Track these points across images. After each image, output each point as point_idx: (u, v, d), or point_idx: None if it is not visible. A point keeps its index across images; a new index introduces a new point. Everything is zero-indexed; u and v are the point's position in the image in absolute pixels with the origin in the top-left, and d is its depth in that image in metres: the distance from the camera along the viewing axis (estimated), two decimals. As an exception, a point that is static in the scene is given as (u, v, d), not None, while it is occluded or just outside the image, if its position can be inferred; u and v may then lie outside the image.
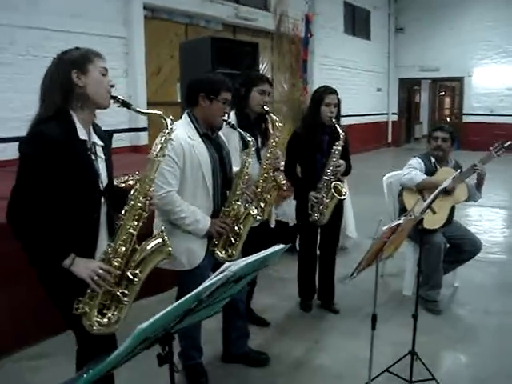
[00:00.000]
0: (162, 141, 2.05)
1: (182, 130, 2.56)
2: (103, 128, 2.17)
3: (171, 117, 2.12)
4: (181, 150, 2.51)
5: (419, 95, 19.39)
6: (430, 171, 3.89)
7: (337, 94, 3.57)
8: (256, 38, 9.77)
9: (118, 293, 1.93)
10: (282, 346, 3.39)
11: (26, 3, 6.27)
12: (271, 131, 3.21)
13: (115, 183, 2.34)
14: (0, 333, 3.18)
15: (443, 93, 19.57)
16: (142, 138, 7.88)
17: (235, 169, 2.81)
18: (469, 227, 4.29)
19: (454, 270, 4.18)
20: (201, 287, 1.10)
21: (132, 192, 1.99)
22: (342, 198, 3.53)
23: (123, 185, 3.55)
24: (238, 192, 2.70)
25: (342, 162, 3.53)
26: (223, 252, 2.72)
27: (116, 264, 1.93)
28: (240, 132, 2.82)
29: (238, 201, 2.72)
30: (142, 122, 7.83)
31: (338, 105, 3.56)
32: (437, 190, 2.74)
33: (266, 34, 10.46)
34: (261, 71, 10.06)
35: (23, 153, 1.86)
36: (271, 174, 3.17)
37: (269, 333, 3.56)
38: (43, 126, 1.85)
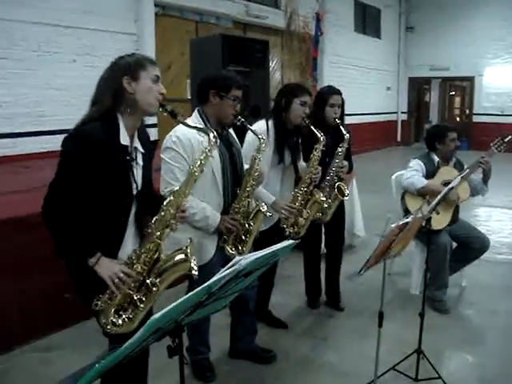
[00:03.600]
0: (202, 157, 2.06)
1: (192, 127, 2.58)
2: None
3: (215, 134, 2.14)
4: (190, 147, 2.52)
5: (429, 94, 19.29)
6: (431, 171, 3.88)
7: (341, 95, 3.57)
8: (266, 35, 9.77)
9: (136, 298, 1.95)
10: (288, 342, 3.41)
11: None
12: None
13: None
14: (11, 325, 3.24)
15: (453, 92, 19.47)
16: (152, 134, 7.91)
17: (246, 166, 2.82)
18: (477, 227, 4.28)
19: (462, 269, 4.18)
20: (212, 280, 1.13)
21: (165, 203, 2.00)
22: (345, 198, 3.57)
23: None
24: (248, 189, 2.70)
25: (345, 163, 3.56)
26: (233, 248, 2.73)
27: (139, 270, 1.95)
28: (251, 129, 2.83)
29: (248, 197, 2.73)
30: (152, 118, 7.87)
31: (341, 105, 3.56)
32: (445, 189, 2.75)
33: (275, 32, 10.46)
34: (270, 69, 10.10)
35: (64, 149, 1.90)
36: (310, 188, 3.21)
37: (276, 330, 3.58)
38: (87, 125, 1.89)
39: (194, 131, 2.56)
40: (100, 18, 7.01)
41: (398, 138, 17.08)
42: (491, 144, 3.77)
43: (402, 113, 17.07)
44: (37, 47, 6.39)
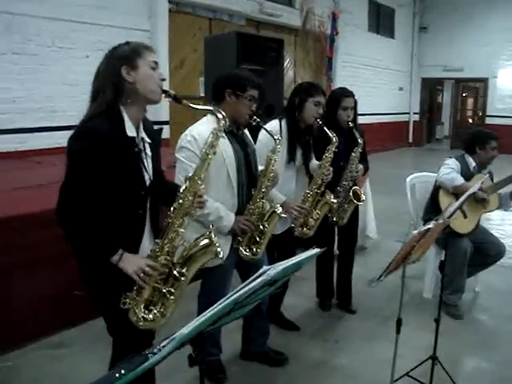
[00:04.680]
0: (213, 138, 2.04)
1: (207, 126, 2.53)
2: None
3: (222, 112, 2.12)
4: (204, 146, 2.48)
5: (442, 95, 19.16)
6: (465, 175, 3.80)
7: (353, 97, 3.52)
8: (279, 34, 9.73)
9: (165, 290, 1.93)
10: (300, 345, 3.38)
11: (52, -5, 6.32)
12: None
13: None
14: (22, 322, 3.23)
15: (466, 94, 19.32)
16: (164, 131, 7.90)
17: (261, 167, 2.79)
18: (491, 231, 4.23)
19: (476, 274, 4.13)
20: (239, 293, 1.09)
21: (181, 190, 1.97)
22: (360, 203, 3.55)
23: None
24: (263, 190, 2.67)
25: (360, 166, 3.52)
26: (247, 250, 2.70)
27: (163, 262, 1.93)
28: (266, 129, 2.79)
29: (263, 198, 2.69)
30: (164, 115, 7.86)
31: (354, 107, 3.51)
32: (466, 194, 2.70)
33: (289, 31, 10.39)
34: (285, 68, 10.05)
35: (72, 149, 1.85)
36: (322, 189, 3.18)
37: (288, 332, 3.55)
38: (91, 122, 1.85)
39: (209, 130, 2.53)
40: (114, 14, 7.00)
41: (410, 139, 16.97)
42: None
43: (414, 113, 16.97)
44: (50, 43, 6.39)
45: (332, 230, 3.74)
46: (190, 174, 2.01)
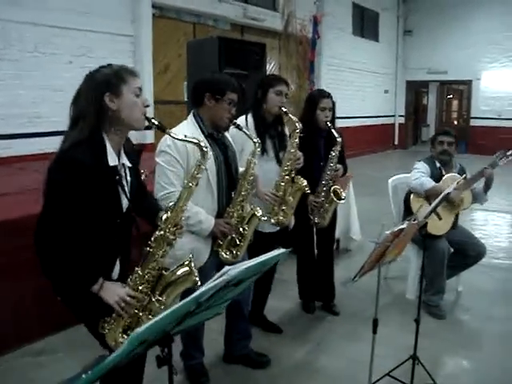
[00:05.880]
0: (197, 171, 2.01)
1: (187, 130, 2.53)
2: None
3: (206, 145, 2.08)
4: (184, 151, 2.49)
5: (427, 98, 19.32)
6: (435, 176, 3.86)
7: (331, 98, 3.57)
8: (264, 38, 9.77)
9: (144, 317, 1.91)
10: (283, 347, 3.39)
11: (34, 0, 6.29)
12: (287, 133, 3.19)
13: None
14: (3, 329, 3.20)
15: (451, 96, 19.51)
16: (149, 137, 7.89)
17: (241, 169, 2.80)
18: (474, 232, 4.27)
19: (458, 274, 4.17)
20: (199, 291, 1.10)
21: (163, 219, 1.94)
22: (342, 202, 3.56)
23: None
24: (243, 193, 2.68)
25: (339, 166, 3.56)
26: (228, 253, 2.70)
27: (144, 290, 1.91)
28: (245, 132, 2.80)
29: (243, 201, 2.70)
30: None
31: (332, 109, 3.56)
32: (440, 196, 2.74)
33: (273, 35, 10.45)
34: (268, 72, 10.08)
35: (53, 179, 1.79)
36: (292, 175, 3.17)
37: (270, 334, 3.56)
38: (73, 151, 1.77)
39: (189, 135, 2.54)
40: (96, 19, 6.98)
41: (396, 142, 17.07)
42: (495, 156, 3.77)
43: (400, 116, 17.07)
44: (33, 48, 6.36)
45: (311, 232, 3.76)
46: (173, 204, 1.99)
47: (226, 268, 1.15)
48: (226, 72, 4.51)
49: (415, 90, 17.74)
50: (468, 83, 15.94)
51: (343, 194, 3.57)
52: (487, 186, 3.87)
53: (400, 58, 16.63)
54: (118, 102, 1.82)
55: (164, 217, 1.94)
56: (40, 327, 3.40)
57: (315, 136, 3.56)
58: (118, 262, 2.03)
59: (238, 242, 2.70)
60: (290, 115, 3.17)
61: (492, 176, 3.76)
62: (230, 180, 2.71)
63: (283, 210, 3.14)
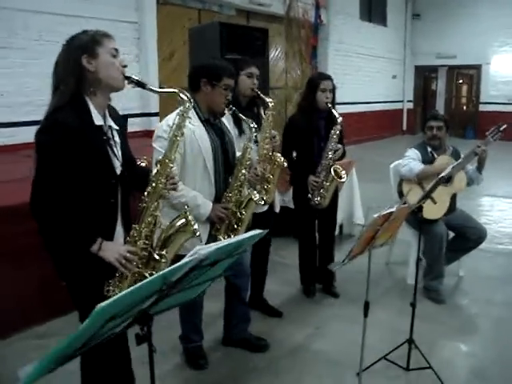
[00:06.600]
0: (179, 120, 2.05)
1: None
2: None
3: (187, 94, 2.10)
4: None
5: (436, 83, 19.10)
6: (427, 161, 3.86)
7: (331, 80, 3.61)
8: (270, 23, 9.71)
9: (147, 274, 1.96)
10: (282, 331, 3.43)
11: (39, -12, 6.30)
12: (263, 114, 3.22)
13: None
14: (8, 311, 3.26)
15: (461, 81, 19.27)
16: (154, 123, 7.92)
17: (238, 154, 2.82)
18: (479, 217, 4.25)
19: (459, 259, 4.17)
20: (168, 269, 1.13)
21: (153, 173, 2.00)
22: (342, 180, 3.60)
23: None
24: (240, 177, 2.71)
25: (339, 145, 3.60)
26: (226, 237, 2.73)
27: (142, 246, 1.96)
28: (243, 118, 2.83)
29: (240, 186, 2.73)
30: (154, 107, 7.87)
31: (333, 91, 3.59)
32: (434, 180, 2.73)
33: (280, 20, 10.32)
34: (273, 57, 10.03)
35: (40, 143, 1.85)
36: (270, 154, 3.19)
37: (270, 318, 3.60)
38: (58, 114, 1.84)
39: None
40: (101, 7, 6.96)
41: (404, 127, 16.99)
42: (487, 133, 3.74)
43: (408, 101, 16.96)
44: (38, 36, 6.37)
45: (313, 215, 3.79)
46: (160, 157, 2.04)
47: (198, 247, 1.17)
48: (228, 58, 4.50)
49: (424, 76, 17.57)
50: (478, 68, 15.77)
51: (343, 173, 3.60)
52: (480, 165, 3.84)
53: (408, 43, 16.46)
54: (95, 62, 1.90)
55: (154, 171, 2.00)
56: (43, 312, 3.47)
57: (315, 117, 3.60)
58: (121, 229, 2.08)
59: (235, 227, 2.73)
60: (262, 95, 3.21)
61: (485, 154, 3.72)
62: (226, 165, 2.74)
63: (265, 188, 3.17)
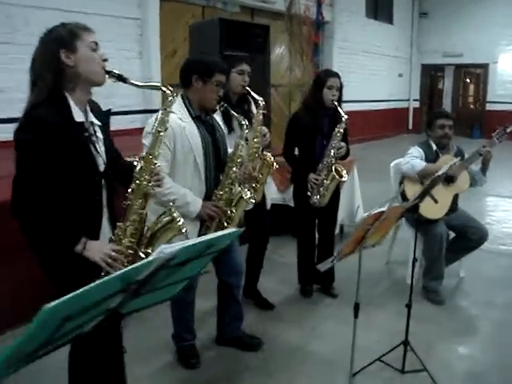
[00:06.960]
0: (162, 115, 2.01)
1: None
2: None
3: (170, 88, 2.05)
4: (171, 132, 2.46)
5: (443, 82, 18.96)
6: (431, 160, 3.79)
7: (339, 78, 3.54)
8: (274, 20, 9.62)
9: None
10: (277, 330, 3.38)
11: (38, -17, 6.27)
12: (254, 111, 3.19)
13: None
14: (2, 309, 3.24)
15: (468, 80, 19.12)
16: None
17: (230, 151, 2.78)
18: (483, 217, 4.18)
19: (460, 259, 4.10)
20: (126, 269, 1.08)
21: (137, 170, 1.95)
22: (343, 179, 3.54)
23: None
24: (232, 175, 2.67)
25: (343, 143, 3.53)
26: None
27: (127, 244, 1.92)
28: (234, 115, 2.79)
29: (231, 184, 2.69)
30: (156, 103, 7.83)
31: (340, 89, 3.52)
32: (431, 178, 2.67)
33: (284, 17, 10.29)
34: (277, 55, 9.97)
35: (19, 140, 1.80)
36: (260, 152, 3.16)
37: (266, 317, 3.56)
38: (37, 110, 1.79)
39: (176, 117, 2.52)
40: (103, 3, 6.94)
41: (410, 126, 16.87)
42: (493, 134, 3.68)
43: (414, 100, 16.84)
44: (38, 32, 6.31)
45: (313, 214, 3.74)
46: (144, 153, 1.99)
47: (163, 246, 1.12)
48: (228, 54, 4.47)
49: (430, 74, 17.44)
50: (485, 66, 15.61)
51: (344, 172, 3.54)
52: (484, 166, 3.77)
53: (415, 41, 16.34)
54: (74, 57, 1.84)
55: (138, 167, 1.95)
56: (37, 308, 3.43)
57: (321, 115, 3.55)
58: (108, 225, 2.03)
59: (225, 225, 2.69)
60: (253, 93, 3.18)
61: (489, 155, 3.66)
62: (217, 162, 2.69)
63: (253, 187, 3.12)
